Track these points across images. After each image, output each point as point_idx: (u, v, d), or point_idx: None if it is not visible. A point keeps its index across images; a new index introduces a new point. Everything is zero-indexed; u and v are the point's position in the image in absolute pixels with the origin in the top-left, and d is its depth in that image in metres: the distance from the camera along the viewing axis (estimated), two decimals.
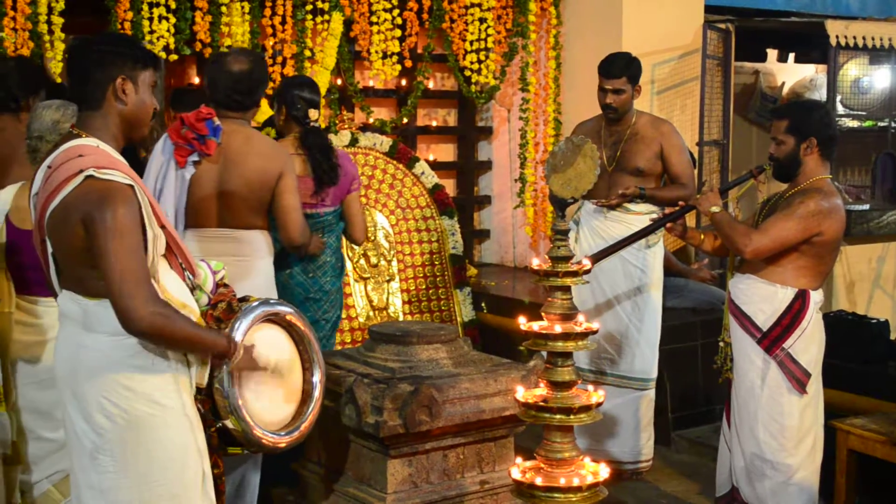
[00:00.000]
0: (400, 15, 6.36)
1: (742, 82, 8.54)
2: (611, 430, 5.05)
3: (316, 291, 4.40)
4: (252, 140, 3.97)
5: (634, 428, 5.06)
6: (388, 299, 6.22)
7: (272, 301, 3.09)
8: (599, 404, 3.16)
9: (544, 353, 3.23)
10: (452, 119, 7.89)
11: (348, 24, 6.29)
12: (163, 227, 2.75)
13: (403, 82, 7.20)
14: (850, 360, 4.84)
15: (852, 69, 7.42)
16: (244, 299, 3.00)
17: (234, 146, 3.92)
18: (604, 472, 3.18)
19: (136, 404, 2.67)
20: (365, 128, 6.51)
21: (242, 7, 5.86)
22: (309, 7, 6.08)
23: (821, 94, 8.09)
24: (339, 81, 6.53)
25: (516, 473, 3.18)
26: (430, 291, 6.40)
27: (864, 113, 7.57)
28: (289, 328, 3.12)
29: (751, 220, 4.17)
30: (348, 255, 5.91)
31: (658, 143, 4.98)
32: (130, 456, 2.68)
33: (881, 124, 7.45)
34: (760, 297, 4.02)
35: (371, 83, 7.11)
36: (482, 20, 6.68)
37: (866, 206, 7.20)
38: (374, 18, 6.32)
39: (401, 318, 6.16)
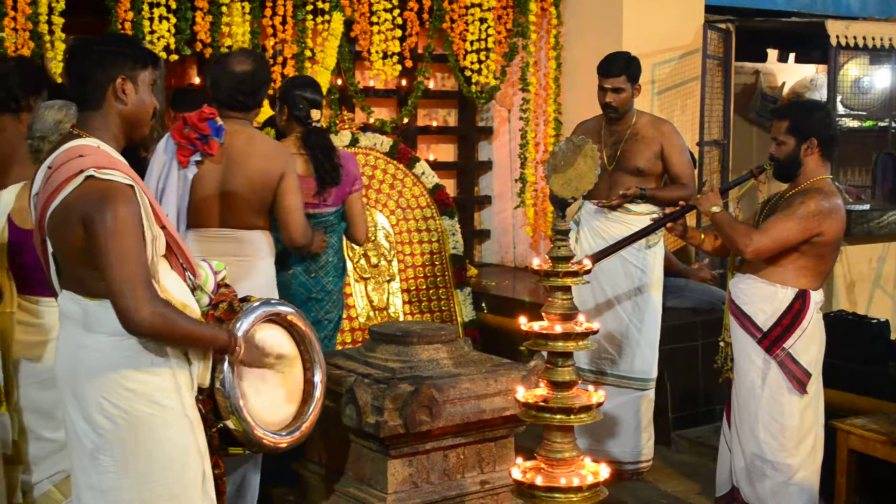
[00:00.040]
0: (400, 15, 6.36)
1: (742, 82, 8.54)
2: (611, 431, 5.05)
3: (318, 291, 4.40)
4: (254, 140, 3.98)
5: (635, 428, 5.06)
6: (388, 299, 6.22)
7: (273, 301, 3.09)
8: (600, 404, 3.16)
9: (545, 354, 3.24)
10: (453, 119, 7.89)
11: (349, 24, 6.29)
12: (163, 227, 2.75)
13: (404, 82, 7.20)
14: (850, 360, 4.85)
15: (853, 69, 7.42)
16: (245, 299, 3.01)
17: (236, 146, 3.93)
18: (604, 472, 3.18)
19: (136, 405, 2.67)
20: (365, 128, 6.51)
21: (243, 7, 5.86)
22: (309, 7, 6.08)
23: (821, 95, 8.09)
24: (339, 81, 6.53)
25: (517, 473, 3.19)
26: (431, 291, 6.40)
27: (864, 113, 7.56)
28: (290, 328, 3.12)
29: (751, 220, 4.17)
30: (348, 256, 5.91)
31: (658, 143, 4.98)
32: (131, 456, 2.68)
33: (881, 124, 7.45)
34: (761, 297, 4.03)
35: (371, 83, 7.11)
36: (482, 20, 6.68)
37: (867, 206, 7.20)
38: (374, 18, 6.32)
39: (401, 319, 6.16)
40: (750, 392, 4.06)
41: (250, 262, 3.95)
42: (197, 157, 3.88)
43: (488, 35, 6.71)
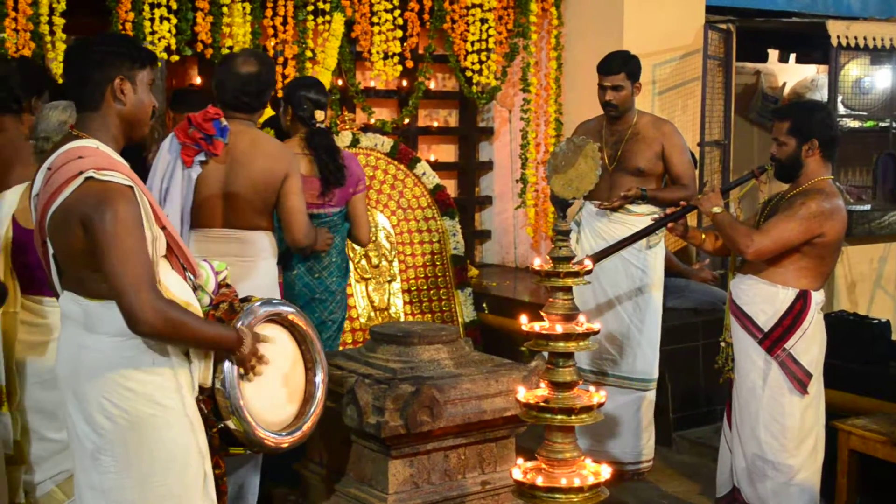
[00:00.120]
0: (401, 15, 6.37)
1: (743, 83, 8.54)
2: (612, 431, 5.05)
3: (322, 292, 4.41)
4: (258, 141, 3.98)
5: (635, 428, 5.06)
6: (389, 300, 6.23)
7: (274, 301, 3.09)
8: (601, 405, 3.16)
9: (545, 354, 3.23)
10: (454, 119, 7.89)
11: (349, 24, 6.29)
12: (163, 227, 2.75)
13: (404, 83, 7.20)
14: (851, 361, 4.85)
15: (853, 69, 7.41)
16: (246, 299, 3.01)
17: (240, 147, 3.93)
18: (605, 472, 3.18)
19: (137, 405, 2.67)
20: (366, 128, 6.52)
21: (244, 8, 5.86)
22: (310, 8, 6.08)
23: (822, 95, 8.09)
24: (340, 82, 6.53)
25: (517, 474, 3.19)
26: (432, 292, 6.40)
27: (865, 113, 7.57)
28: (291, 328, 3.12)
29: (752, 220, 4.18)
30: (349, 256, 5.91)
31: (659, 143, 4.98)
32: (132, 456, 2.68)
33: (882, 125, 7.45)
34: (762, 298, 4.03)
35: (372, 84, 7.11)
36: (483, 21, 6.69)
37: (868, 207, 7.20)
38: (375, 19, 6.32)
39: (402, 319, 6.16)
40: (751, 392, 4.06)
41: (253, 263, 3.95)
42: (201, 158, 3.89)
43: (489, 35, 6.72)
